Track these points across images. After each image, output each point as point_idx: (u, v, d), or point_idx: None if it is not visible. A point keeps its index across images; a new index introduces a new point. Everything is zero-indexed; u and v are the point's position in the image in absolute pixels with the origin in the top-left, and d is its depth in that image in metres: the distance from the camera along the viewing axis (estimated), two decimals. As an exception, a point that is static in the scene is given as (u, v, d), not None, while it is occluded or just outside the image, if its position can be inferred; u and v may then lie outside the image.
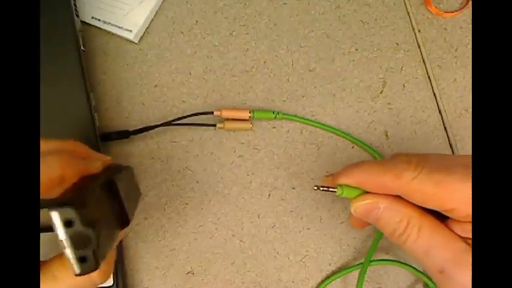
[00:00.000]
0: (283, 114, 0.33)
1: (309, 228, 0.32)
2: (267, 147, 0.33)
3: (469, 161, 0.19)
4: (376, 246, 0.31)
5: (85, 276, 0.19)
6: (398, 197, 0.21)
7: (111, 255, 0.22)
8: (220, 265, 0.32)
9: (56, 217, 0.17)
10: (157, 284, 0.32)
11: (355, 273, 0.32)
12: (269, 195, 0.33)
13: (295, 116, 0.33)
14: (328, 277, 0.32)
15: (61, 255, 0.20)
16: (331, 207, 0.33)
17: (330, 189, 0.23)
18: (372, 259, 0.30)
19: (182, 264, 0.32)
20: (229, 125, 0.32)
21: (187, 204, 0.33)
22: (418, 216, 0.21)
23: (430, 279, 0.31)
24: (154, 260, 0.32)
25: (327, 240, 0.32)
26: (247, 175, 0.33)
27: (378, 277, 0.32)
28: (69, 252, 0.18)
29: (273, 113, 0.32)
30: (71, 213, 0.17)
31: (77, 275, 0.18)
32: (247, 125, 0.33)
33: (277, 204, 0.33)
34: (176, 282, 0.32)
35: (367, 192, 0.22)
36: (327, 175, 0.25)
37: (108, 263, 0.21)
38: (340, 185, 0.23)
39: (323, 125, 0.33)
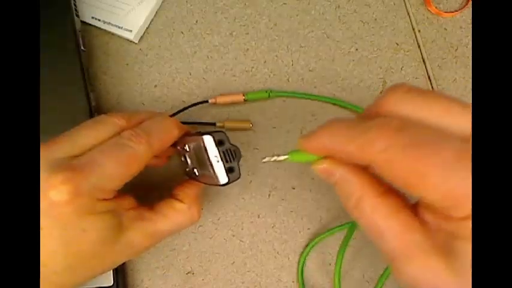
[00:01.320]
0: (277, 92, 0.33)
1: (309, 228, 0.32)
2: (267, 147, 0.33)
3: (461, 146, 0.16)
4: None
5: (187, 215, 0.26)
6: (359, 168, 0.18)
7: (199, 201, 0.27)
8: (220, 265, 0.32)
9: (211, 139, 0.23)
10: (157, 284, 0.32)
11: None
12: (269, 195, 0.33)
13: (287, 92, 0.34)
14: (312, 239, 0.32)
15: (168, 199, 0.26)
16: (331, 207, 0.33)
17: (281, 158, 0.21)
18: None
19: (182, 264, 0.32)
20: (229, 125, 0.32)
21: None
22: (375, 193, 0.18)
23: None
24: (154, 260, 0.32)
25: (326, 240, 0.32)
26: (247, 175, 0.33)
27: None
28: (221, 165, 0.23)
29: (266, 92, 0.33)
30: (222, 135, 0.24)
31: (224, 185, 0.24)
32: (247, 124, 0.33)
33: (277, 204, 0.33)
34: (176, 282, 0.32)
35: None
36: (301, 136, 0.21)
37: (199, 207, 0.27)
38: (291, 152, 0.21)
39: (315, 96, 0.34)
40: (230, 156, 0.24)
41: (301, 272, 0.32)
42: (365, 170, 0.18)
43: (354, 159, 0.18)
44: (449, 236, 0.16)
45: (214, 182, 0.24)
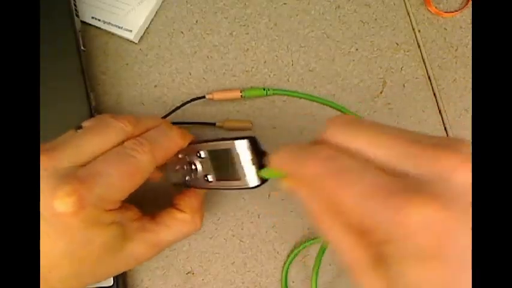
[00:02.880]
0: (274, 89, 0.33)
1: (308, 228, 0.32)
2: (267, 147, 0.33)
3: (374, 180, 0.17)
4: None
5: (189, 224, 0.26)
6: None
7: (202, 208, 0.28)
8: (220, 265, 0.32)
9: (246, 144, 0.24)
10: (157, 284, 0.32)
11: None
12: (269, 195, 0.33)
13: (286, 90, 0.34)
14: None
15: (169, 209, 0.26)
16: (331, 207, 0.33)
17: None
18: None
19: (182, 264, 0.32)
20: (229, 124, 0.32)
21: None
22: (327, 215, 0.19)
23: None
24: (154, 260, 0.32)
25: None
26: (247, 175, 0.33)
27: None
28: (253, 168, 0.24)
29: (264, 89, 0.33)
30: (254, 139, 0.24)
31: (254, 187, 0.24)
32: (247, 124, 0.33)
33: (277, 204, 0.33)
34: (176, 282, 0.32)
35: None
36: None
37: (201, 215, 0.27)
38: (262, 169, 0.23)
39: (313, 96, 0.33)
40: (261, 159, 0.24)
41: (285, 279, 0.32)
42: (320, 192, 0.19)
43: (297, 178, 0.20)
44: (380, 258, 0.17)
45: (240, 185, 0.24)
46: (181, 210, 0.27)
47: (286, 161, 0.21)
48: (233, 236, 0.32)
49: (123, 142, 0.23)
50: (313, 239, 0.32)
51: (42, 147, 0.22)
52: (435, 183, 0.16)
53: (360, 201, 0.16)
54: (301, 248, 0.32)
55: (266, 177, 0.24)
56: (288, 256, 0.32)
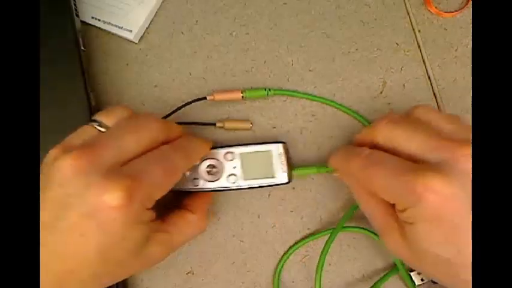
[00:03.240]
0: (275, 90, 0.33)
1: (308, 228, 0.32)
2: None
3: (403, 164, 0.23)
4: (351, 214, 0.32)
5: (198, 226, 0.28)
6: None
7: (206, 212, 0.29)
8: (220, 265, 0.32)
9: (282, 147, 0.30)
10: (157, 284, 0.32)
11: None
12: (269, 195, 0.33)
13: (287, 90, 0.34)
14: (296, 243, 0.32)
15: (180, 211, 0.28)
16: (331, 207, 0.33)
17: None
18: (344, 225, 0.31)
19: (182, 264, 0.32)
20: (229, 125, 0.32)
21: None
22: (365, 196, 0.27)
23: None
24: (154, 260, 0.32)
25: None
26: (247, 175, 0.33)
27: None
28: (286, 166, 0.30)
29: (265, 90, 0.33)
30: (285, 143, 0.30)
31: (286, 183, 0.30)
32: (247, 124, 0.33)
33: (277, 204, 0.33)
34: (176, 282, 0.32)
35: None
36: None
37: (207, 217, 0.29)
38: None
39: (314, 96, 0.34)
40: (290, 160, 0.31)
41: (277, 280, 0.32)
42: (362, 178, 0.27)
43: (346, 173, 0.28)
44: (402, 222, 0.24)
45: (272, 182, 0.30)
46: (191, 211, 0.28)
47: (338, 161, 0.29)
48: (233, 236, 0.32)
49: (158, 145, 0.24)
50: (306, 238, 0.32)
51: (75, 143, 0.22)
52: (443, 166, 0.21)
53: (387, 180, 0.23)
54: (294, 248, 0.32)
55: (298, 174, 0.31)
56: (283, 256, 0.32)
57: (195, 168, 0.29)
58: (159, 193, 0.24)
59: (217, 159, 0.30)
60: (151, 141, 0.24)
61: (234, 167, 0.30)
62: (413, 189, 0.21)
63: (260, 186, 0.30)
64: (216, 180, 0.29)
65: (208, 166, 0.29)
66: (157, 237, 0.25)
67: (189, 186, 0.29)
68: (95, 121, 0.24)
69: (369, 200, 0.26)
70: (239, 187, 0.30)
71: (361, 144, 0.27)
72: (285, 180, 0.30)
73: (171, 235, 0.26)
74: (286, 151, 0.30)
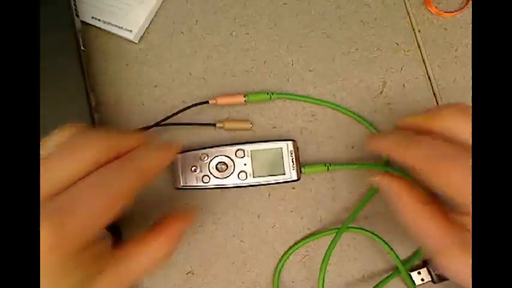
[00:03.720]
0: (278, 94, 0.33)
1: (309, 228, 0.32)
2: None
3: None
4: (356, 214, 0.32)
5: (157, 251, 0.23)
6: (404, 180, 0.25)
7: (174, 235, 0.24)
8: (220, 265, 0.32)
9: (292, 144, 0.31)
10: (157, 284, 0.32)
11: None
12: (269, 195, 0.33)
13: (290, 94, 0.34)
14: (301, 240, 0.32)
15: (142, 236, 0.23)
16: (331, 207, 0.33)
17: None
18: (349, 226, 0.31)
19: (182, 264, 0.32)
20: (229, 125, 0.32)
21: (187, 204, 0.32)
22: (415, 203, 0.24)
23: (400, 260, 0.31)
24: (154, 260, 0.32)
25: (327, 240, 0.32)
26: (247, 175, 0.33)
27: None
28: (296, 163, 0.31)
29: (267, 93, 0.33)
30: (296, 143, 0.32)
31: (297, 180, 0.31)
32: (247, 125, 0.33)
33: (277, 204, 0.33)
34: (176, 282, 0.32)
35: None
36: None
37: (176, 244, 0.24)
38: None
39: (316, 100, 0.34)
40: (299, 158, 0.32)
41: (277, 280, 0.32)
42: (408, 183, 0.25)
43: (401, 160, 0.24)
44: (463, 229, 0.21)
45: (283, 179, 0.30)
46: (155, 236, 0.23)
47: (391, 144, 0.25)
48: (233, 236, 0.32)
49: (102, 163, 0.21)
50: (307, 238, 0.32)
51: None
52: None
53: (461, 179, 0.20)
54: (294, 248, 0.32)
55: (307, 172, 0.31)
56: (283, 256, 0.32)
57: (205, 166, 0.30)
58: (101, 221, 0.20)
59: (228, 156, 0.30)
60: (90, 164, 0.20)
61: (245, 164, 0.30)
62: None
63: (270, 184, 0.30)
64: (226, 177, 0.30)
65: (218, 163, 0.30)
66: (108, 272, 0.21)
67: (199, 184, 0.29)
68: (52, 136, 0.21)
69: (424, 211, 0.23)
70: (249, 184, 0.30)
71: (412, 130, 0.25)
72: (295, 177, 0.31)
73: (127, 266, 0.22)
74: (296, 148, 0.31)
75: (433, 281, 0.31)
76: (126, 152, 0.22)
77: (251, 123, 0.33)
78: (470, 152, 0.21)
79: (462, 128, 0.22)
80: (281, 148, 0.31)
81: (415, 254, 0.32)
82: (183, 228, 0.24)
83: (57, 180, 0.19)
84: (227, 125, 0.32)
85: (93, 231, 0.20)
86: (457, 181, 0.21)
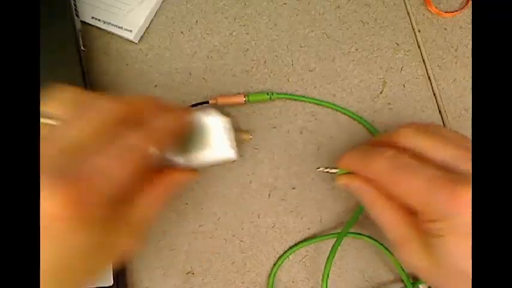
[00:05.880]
0: (278, 94, 0.33)
1: (309, 228, 0.32)
2: (267, 147, 0.33)
3: (433, 173, 0.22)
4: (357, 219, 0.32)
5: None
6: (369, 180, 0.25)
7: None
8: (220, 265, 0.32)
9: (226, 122, 0.27)
10: (157, 284, 0.32)
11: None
12: (269, 195, 0.33)
13: (289, 94, 0.34)
14: (301, 242, 0.32)
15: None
16: (331, 207, 0.33)
17: (332, 171, 0.28)
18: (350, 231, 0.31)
19: (182, 264, 0.32)
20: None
21: (187, 204, 0.33)
22: (383, 199, 0.25)
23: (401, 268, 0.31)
24: (154, 260, 0.32)
25: (327, 240, 0.32)
26: (247, 175, 0.33)
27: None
28: (232, 143, 0.27)
29: (267, 94, 0.33)
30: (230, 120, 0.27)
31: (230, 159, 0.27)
32: (247, 136, 0.32)
33: (277, 204, 0.33)
34: (176, 282, 0.32)
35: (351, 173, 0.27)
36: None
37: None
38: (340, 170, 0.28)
39: (316, 100, 0.34)
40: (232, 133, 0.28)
41: (271, 281, 0.32)
42: (372, 183, 0.25)
43: (365, 174, 0.25)
44: (427, 233, 0.22)
45: (220, 157, 0.27)
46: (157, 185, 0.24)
47: (355, 161, 0.26)
48: (233, 236, 0.32)
49: (115, 127, 0.21)
50: (307, 240, 0.32)
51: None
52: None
53: (419, 186, 0.21)
54: (294, 249, 0.32)
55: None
56: (280, 257, 0.32)
57: None
58: (116, 186, 0.20)
59: None
60: (103, 124, 0.21)
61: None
62: (453, 201, 0.20)
63: (209, 162, 0.27)
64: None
65: None
66: (123, 226, 0.22)
67: None
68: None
69: (387, 206, 0.24)
70: (189, 163, 0.27)
71: (379, 146, 0.25)
72: (232, 155, 0.27)
73: (134, 216, 0.22)
74: (230, 126, 0.28)
75: None
76: (135, 115, 0.22)
77: (250, 135, 0.32)
78: (429, 163, 0.22)
79: (422, 141, 0.23)
80: (214, 124, 0.27)
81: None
82: (181, 179, 0.25)
83: (72, 142, 0.20)
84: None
85: (108, 193, 0.20)
86: (418, 190, 0.22)
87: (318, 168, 0.29)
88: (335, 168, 0.28)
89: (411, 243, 0.23)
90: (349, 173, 0.27)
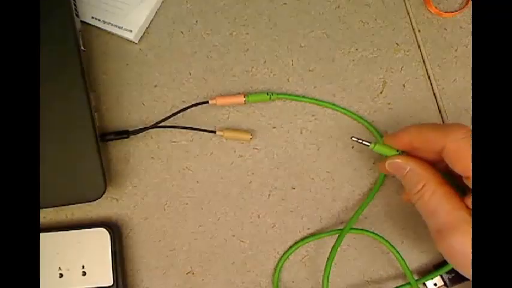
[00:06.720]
0: (278, 94, 0.33)
1: (309, 228, 0.32)
2: (267, 147, 0.33)
3: None
4: (359, 214, 0.31)
5: None
6: (425, 163, 0.26)
7: None
8: (220, 265, 0.32)
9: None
10: (157, 284, 0.32)
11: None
12: (269, 195, 0.33)
13: (289, 94, 0.34)
14: (303, 239, 0.32)
15: None
16: (331, 207, 0.33)
17: (364, 142, 0.28)
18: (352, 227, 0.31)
19: (182, 264, 0.32)
20: (228, 134, 0.32)
21: (187, 204, 0.33)
22: (436, 182, 0.25)
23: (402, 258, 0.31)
24: (154, 260, 0.32)
25: (327, 240, 0.32)
26: (247, 175, 0.33)
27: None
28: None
29: (267, 94, 0.33)
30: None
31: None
32: (247, 136, 0.32)
33: (277, 204, 0.33)
34: (176, 282, 0.32)
35: (401, 154, 0.27)
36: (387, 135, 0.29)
37: None
38: (375, 142, 0.28)
39: (316, 100, 0.34)
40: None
41: (277, 280, 0.32)
42: (429, 166, 0.26)
43: (432, 146, 0.25)
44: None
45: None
46: None
47: (424, 133, 0.25)
48: (233, 236, 0.32)
49: None
50: (307, 238, 0.32)
51: None
52: None
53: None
54: (294, 248, 0.32)
55: (377, 151, 0.28)
56: (282, 256, 0.32)
57: None
58: None
59: None
60: None
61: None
62: None
63: None
64: None
65: None
66: None
67: None
68: None
69: (442, 190, 0.24)
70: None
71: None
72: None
73: None
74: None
75: (446, 285, 0.31)
76: None
77: (250, 135, 0.32)
78: None
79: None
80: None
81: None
82: None
83: None
84: (227, 134, 0.32)
85: None
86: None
87: (352, 137, 0.28)
88: (368, 142, 0.28)
89: (463, 227, 0.23)
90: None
